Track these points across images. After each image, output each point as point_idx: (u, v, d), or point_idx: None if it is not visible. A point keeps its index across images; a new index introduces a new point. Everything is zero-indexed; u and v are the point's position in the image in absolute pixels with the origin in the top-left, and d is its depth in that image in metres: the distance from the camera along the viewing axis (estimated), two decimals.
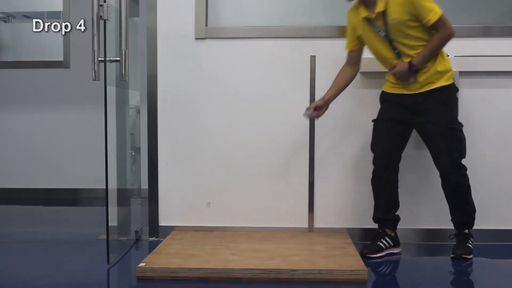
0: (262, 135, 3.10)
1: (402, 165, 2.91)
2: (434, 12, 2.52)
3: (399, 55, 2.63)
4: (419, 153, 2.93)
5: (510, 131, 3.01)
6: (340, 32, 3.00)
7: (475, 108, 2.98)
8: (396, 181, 2.81)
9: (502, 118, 3.01)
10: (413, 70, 2.58)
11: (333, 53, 3.02)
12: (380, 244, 2.75)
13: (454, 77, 2.86)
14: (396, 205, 2.82)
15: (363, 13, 2.66)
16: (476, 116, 2.99)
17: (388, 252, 2.77)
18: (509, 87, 3.00)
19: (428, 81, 2.63)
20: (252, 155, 3.11)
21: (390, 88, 2.75)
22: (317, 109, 2.78)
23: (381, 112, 2.82)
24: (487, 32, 2.99)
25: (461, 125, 2.69)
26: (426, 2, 2.53)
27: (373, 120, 2.84)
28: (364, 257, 2.64)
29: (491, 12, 3.17)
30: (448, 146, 2.63)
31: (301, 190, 3.09)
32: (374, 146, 2.82)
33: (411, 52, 2.60)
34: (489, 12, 3.16)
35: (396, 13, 2.56)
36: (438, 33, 2.55)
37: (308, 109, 2.80)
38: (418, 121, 2.69)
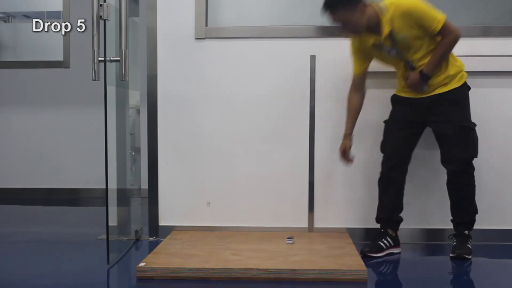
0: (262, 135, 3.10)
1: None
2: (437, 19, 2.53)
3: (412, 67, 2.65)
4: (422, 153, 2.93)
5: (510, 131, 3.01)
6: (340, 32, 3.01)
7: (476, 108, 2.97)
8: (403, 183, 2.81)
9: (502, 118, 3.01)
10: (425, 79, 2.60)
11: (333, 53, 3.02)
12: (381, 244, 2.75)
13: None
14: (400, 207, 2.83)
15: (370, 40, 2.66)
16: (476, 116, 2.97)
17: (388, 252, 2.77)
18: (509, 87, 3.00)
19: (441, 84, 2.65)
20: (252, 155, 3.11)
21: (403, 92, 2.76)
22: (346, 150, 2.83)
23: (392, 113, 2.82)
24: (487, 32, 3.00)
25: (474, 124, 2.70)
26: (428, 11, 2.53)
27: (385, 121, 2.85)
28: (364, 256, 2.66)
29: (491, 12, 3.17)
30: (462, 145, 2.63)
31: (301, 190, 3.09)
32: (384, 146, 2.83)
33: (424, 61, 2.61)
34: (489, 12, 3.16)
35: (402, 30, 2.55)
36: (445, 39, 2.56)
37: (344, 159, 2.84)
38: (432, 121, 2.70)
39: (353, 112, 2.83)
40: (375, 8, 2.58)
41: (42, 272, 2.51)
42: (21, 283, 2.36)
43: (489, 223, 3.00)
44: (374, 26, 2.60)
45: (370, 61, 2.79)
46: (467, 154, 2.65)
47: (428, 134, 2.79)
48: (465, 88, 2.70)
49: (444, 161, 2.69)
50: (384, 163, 2.81)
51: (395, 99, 2.82)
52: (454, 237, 2.76)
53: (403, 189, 2.81)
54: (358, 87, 2.82)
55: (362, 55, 2.76)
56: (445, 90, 2.64)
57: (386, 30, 2.57)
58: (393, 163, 2.78)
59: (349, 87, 2.84)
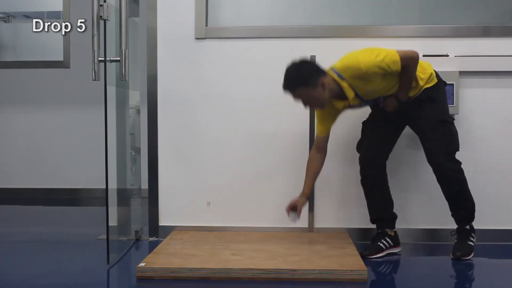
0: (262, 135, 3.10)
1: (397, 165, 2.91)
2: (394, 61, 2.48)
3: (384, 98, 2.65)
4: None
5: (510, 131, 3.01)
6: (340, 32, 3.01)
7: (475, 108, 2.99)
8: (385, 178, 2.79)
9: (502, 118, 3.01)
10: (402, 102, 2.63)
11: (333, 53, 3.01)
12: (380, 244, 2.75)
13: (454, 77, 2.87)
14: (390, 203, 2.81)
15: (339, 104, 2.65)
16: (476, 116, 2.99)
17: (388, 252, 2.77)
18: (509, 87, 3.00)
19: (416, 95, 2.65)
20: (252, 155, 3.11)
21: None
22: (297, 207, 2.74)
23: (370, 114, 2.83)
24: (487, 32, 2.99)
25: (452, 118, 2.69)
26: (381, 60, 2.47)
27: (363, 122, 2.85)
28: (364, 258, 2.63)
29: (491, 12, 3.17)
30: (440, 138, 2.61)
31: (301, 190, 3.09)
32: (360, 146, 2.83)
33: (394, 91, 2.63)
34: (489, 12, 3.16)
35: (366, 86, 2.54)
36: (408, 67, 2.52)
37: (292, 212, 2.74)
38: (409, 119, 2.71)
39: (313, 173, 2.79)
40: (333, 76, 2.55)
41: (42, 272, 2.51)
42: (21, 283, 2.36)
43: (489, 223, 3.00)
44: (337, 93, 2.58)
45: (337, 118, 2.77)
46: (448, 147, 2.61)
47: (409, 133, 2.80)
48: (439, 85, 2.68)
49: (428, 159, 2.66)
50: (361, 163, 2.79)
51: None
52: (456, 233, 2.74)
53: (387, 184, 2.79)
54: (321, 148, 2.77)
55: (329, 115, 2.73)
56: (418, 93, 2.64)
57: (351, 95, 2.57)
58: (369, 161, 2.76)
59: (312, 149, 2.81)
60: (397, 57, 2.48)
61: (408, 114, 2.68)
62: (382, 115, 2.74)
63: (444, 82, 2.73)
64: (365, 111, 2.89)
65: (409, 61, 2.52)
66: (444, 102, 2.70)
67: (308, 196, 2.79)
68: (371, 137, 2.78)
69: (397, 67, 2.49)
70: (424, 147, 2.67)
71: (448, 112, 2.71)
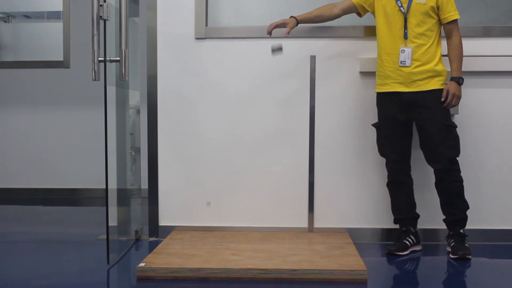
0: (262, 135, 3.10)
1: None
2: (456, 13, 2.66)
3: (405, 36, 2.66)
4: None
5: (510, 131, 3.01)
6: (340, 32, 3.01)
7: (475, 108, 2.98)
8: (411, 181, 2.85)
9: (502, 118, 3.01)
10: (461, 82, 2.66)
11: (333, 53, 3.03)
12: (406, 242, 2.80)
13: None
14: (414, 204, 2.88)
15: None
16: (476, 116, 2.99)
17: (412, 249, 2.82)
18: (509, 87, 3.00)
19: (426, 75, 2.65)
20: (252, 155, 3.11)
21: (382, 86, 2.76)
22: (283, 25, 2.82)
23: (380, 116, 2.83)
24: (487, 32, 3.00)
25: (455, 123, 2.73)
26: (453, 1, 2.66)
27: (374, 126, 2.85)
28: (391, 255, 2.72)
29: (491, 12, 3.17)
30: (447, 142, 2.67)
31: (301, 190, 3.09)
32: (384, 151, 2.85)
33: (416, 40, 2.64)
34: (489, 12, 3.16)
35: None
36: (456, 41, 2.66)
37: (271, 27, 2.83)
38: (416, 119, 2.73)
39: (316, 14, 2.85)
40: None
41: (42, 272, 2.51)
42: (21, 283, 2.36)
43: (489, 223, 3.00)
44: None
45: (366, 9, 2.80)
46: (452, 152, 2.68)
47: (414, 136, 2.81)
48: None
49: (431, 160, 2.72)
50: (389, 168, 2.84)
51: (379, 101, 2.82)
52: (451, 237, 2.77)
53: (412, 187, 2.86)
54: (338, 6, 2.83)
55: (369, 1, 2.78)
56: (428, 89, 2.66)
57: None
58: (398, 167, 2.82)
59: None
60: (458, 15, 2.64)
61: (418, 110, 2.68)
62: (392, 114, 2.75)
63: None
64: (374, 109, 2.89)
65: (457, 32, 2.66)
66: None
67: (298, 23, 2.84)
68: (392, 141, 2.79)
69: (451, 15, 2.62)
70: (430, 148, 2.70)
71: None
